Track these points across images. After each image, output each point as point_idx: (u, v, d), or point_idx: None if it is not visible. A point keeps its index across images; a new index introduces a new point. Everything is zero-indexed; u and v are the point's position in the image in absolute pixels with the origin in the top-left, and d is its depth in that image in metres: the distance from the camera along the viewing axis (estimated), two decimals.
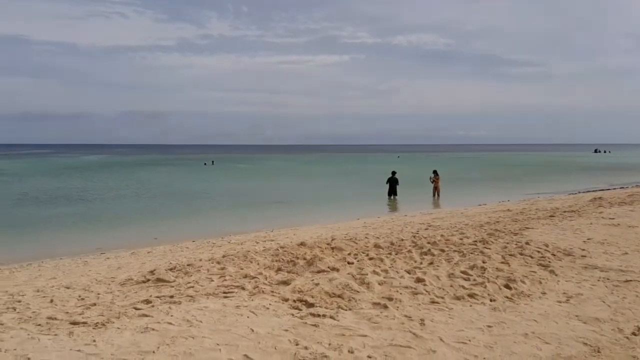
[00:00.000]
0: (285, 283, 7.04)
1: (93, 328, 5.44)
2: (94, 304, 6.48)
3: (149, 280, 7.69)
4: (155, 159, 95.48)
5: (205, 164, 73.86)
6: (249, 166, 73.21)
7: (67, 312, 6.14)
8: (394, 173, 28.01)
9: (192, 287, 7.12)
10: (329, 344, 4.81)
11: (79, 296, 7.06)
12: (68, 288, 7.73)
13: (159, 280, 7.61)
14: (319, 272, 7.52)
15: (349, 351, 4.64)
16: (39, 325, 5.69)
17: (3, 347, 4.93)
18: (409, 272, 7.41)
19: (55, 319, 5.87)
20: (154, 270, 8.32)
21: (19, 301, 7.00)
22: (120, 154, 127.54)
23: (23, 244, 15.60)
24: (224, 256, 9.36)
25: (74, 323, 5.66)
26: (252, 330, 5.23)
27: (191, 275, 7.85)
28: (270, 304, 6.15)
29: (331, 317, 5.56)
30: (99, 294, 7.15)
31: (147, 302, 6.44)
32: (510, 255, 8.35)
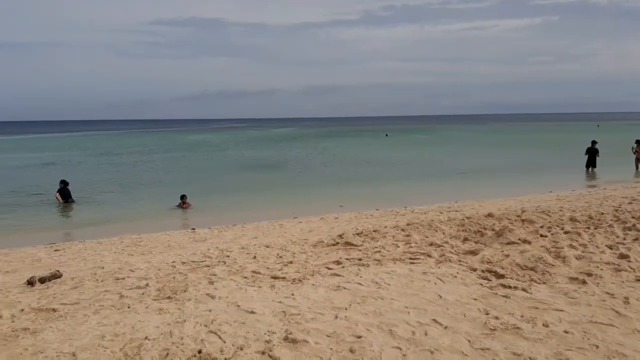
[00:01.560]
0: (473, 253, 6.91)
1: (291, 283, 5.92)
2: (291, 262, 7.03)
3: (338, 243, 8.10)
4: (336, 131, 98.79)
5: (387, 135, 74.59)
6: (427, 136, 72.25)
7: (268, 268, 6.75)
8: (594, 143, 25.44)
9: (379, 251, 7.34)
10: (522, 316, 4.64)
11: (277, 254, 7.69)
12: (267, 247, 8.46)
13: (347, 243, 7.98)
14: (508, 243, 7.24)
15: (543, 325, 4.43)
16: (245, 277, 6.34)
17: (217, 294, 5.59)
18: (610, 248, 6.79)
19: (259, 273, 6.49)
20: (342, 234, 8.72)
21: (228, 256, 7.84)
22: (304, 127, 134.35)
23: (229, 206, 17.37)
24: (408, 224, 9.45)
25: (275, 277, 6.22)
26: (440, 297, 5.25)
27: (377, 241, 8.09)
28: (457, 273, 6.10)
29: (523, 290, 5.34)
30: (294, 253, 7.72)
31: (338, 263, 6.80)
32: None
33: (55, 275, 6.85)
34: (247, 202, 18.21)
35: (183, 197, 16.81)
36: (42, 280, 6.65)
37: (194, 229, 12.58)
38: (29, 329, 4.78)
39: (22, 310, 5.39)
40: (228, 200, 18.64)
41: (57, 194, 18.14)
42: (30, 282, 6.59)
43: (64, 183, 18.47)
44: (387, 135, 74.50)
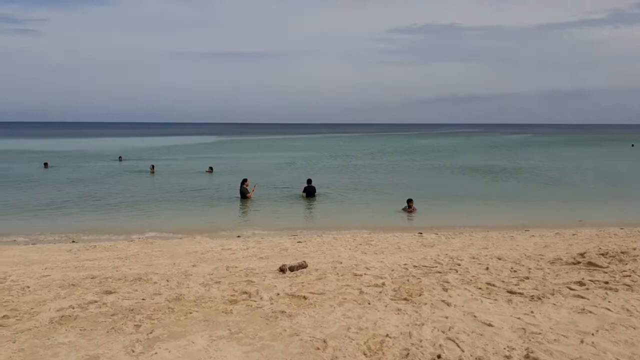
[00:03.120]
0: None
1: (529, 300, 5.72)
2: (527, 277, 6.77)
3: (579, 262, 7.54)
4: (575, 139, 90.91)
5: (632, 145, 66.23)
6: None
7: (503, 281, 6.59)
8: None
9: (629, 276, 6.66)
10: None
11: (511, 268, 7.46)
12: (500, 259, 8.25)
13: (590, 264, 7.39)
14: None
15: None
16: (480, 288, 6.29)
17: (452, 302, 5.67)
18: None
19: (493, 285, 6.39)
20: (584, 253, 8.08)
21: (459, 264, 7.85)
22: (540, 134, 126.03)
23: (456, 212, 17.24)
24: None
25: (511, 292, 6.06)
26: None
27: (626, 264, 7.33)
28: None
29: None
30: (529, 268, 7.41)
31: (581, 284, 6.35)
32: None
33: (302, 265, 7.62)
34: (474, 209, 17.86)
35: (410, 201, 17.18)
36: (292, 269, 7.45)
37: (420, 233, 12.80)
38: (285, 312, 5.42)
39: (278, 294, 6.13)
40: (454, 207, 18.51)
41: (303, 192, 20.01)
42: (282, 270, 7.45)
43: (309, 182, 20.33)
44: (632, 145, 66.14)
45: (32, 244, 11.21)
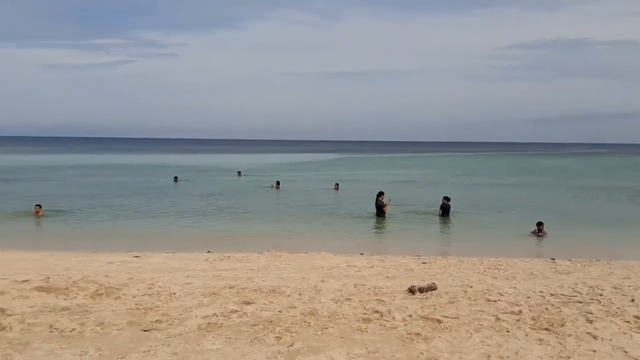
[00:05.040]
0: None
1: None
2: None
3: None
4: None
5: None
6: None
7: None
8: None
9: None
10: None
11: None
12: None
13: None
14: None
15: None
16: (627, 321, 5.86)
17: (599, 335, 5.33)
18: None
19: None
20: None
21: (600, 294, 7.34)
22: None
23: (589, 238, 16.12)
24: None
25: None
26: None
27: None
28: None
29: None
30: None
31: None
32: None
33: (432, 287, 7.52)
34: (610, 235, 16.60)
35: (540, 224, 16.33)
36: (421, 290, 7.39)
37: (553, 259, 12.11)
38: (420, 334, 5.40)
39: (411, 315, 6.11)
40: (588, 231, 17.32)
41: (440, 209, 19.72)
42: (412, 291, 7.40)
43: (446, 199, 20.00)
44: None
45: (172, 252, 12.07)
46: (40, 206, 18.91)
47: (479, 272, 9.75)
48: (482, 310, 6.32)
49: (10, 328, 5.54)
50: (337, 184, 30.11)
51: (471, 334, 5.39)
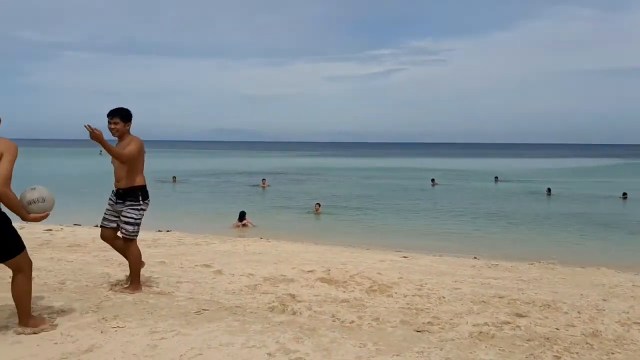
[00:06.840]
0: None
1: None
2: None
3: None
4: None
5: None
6: None
7: None
8: None
9: None
10: None
11: None
12: None
13: None
14: None
15: None
16: None
17: None
18: None
19: None
20: None
21: None
22: None
23: None
24: None
25: None
26: None
27: None
28: None
29: None
30: None
31: None
32: None
33: None
34: None
35: None
36: None
37: None
38: None
39: None
40: None
41: None
42: None
43: None
44: None
45: (439, 255, 12.22)
46: (319, 204, 21.05)
47: None
48: None
49: (300, 313, 6.24)
50: (625, 194, 26.69)
51: None
